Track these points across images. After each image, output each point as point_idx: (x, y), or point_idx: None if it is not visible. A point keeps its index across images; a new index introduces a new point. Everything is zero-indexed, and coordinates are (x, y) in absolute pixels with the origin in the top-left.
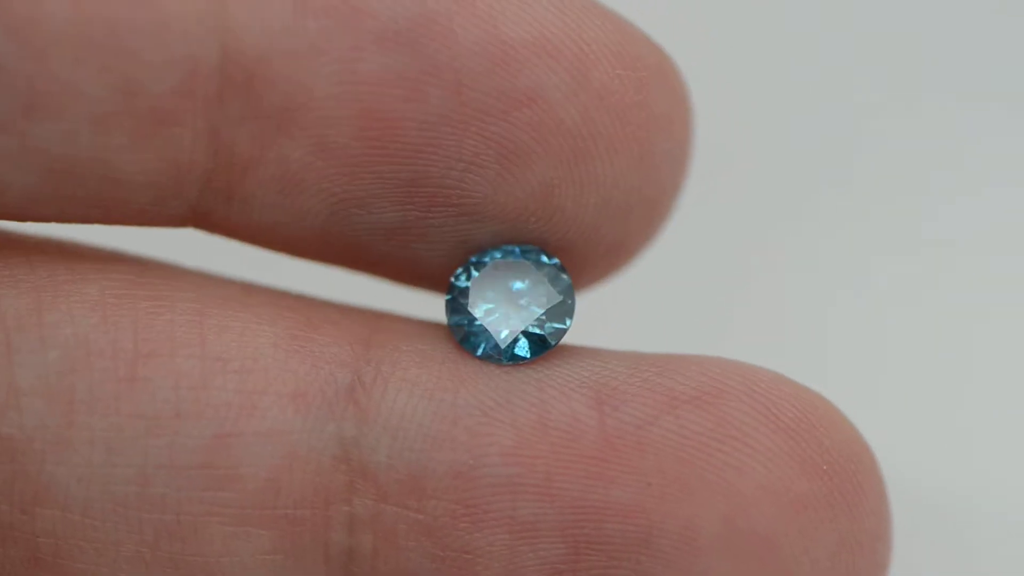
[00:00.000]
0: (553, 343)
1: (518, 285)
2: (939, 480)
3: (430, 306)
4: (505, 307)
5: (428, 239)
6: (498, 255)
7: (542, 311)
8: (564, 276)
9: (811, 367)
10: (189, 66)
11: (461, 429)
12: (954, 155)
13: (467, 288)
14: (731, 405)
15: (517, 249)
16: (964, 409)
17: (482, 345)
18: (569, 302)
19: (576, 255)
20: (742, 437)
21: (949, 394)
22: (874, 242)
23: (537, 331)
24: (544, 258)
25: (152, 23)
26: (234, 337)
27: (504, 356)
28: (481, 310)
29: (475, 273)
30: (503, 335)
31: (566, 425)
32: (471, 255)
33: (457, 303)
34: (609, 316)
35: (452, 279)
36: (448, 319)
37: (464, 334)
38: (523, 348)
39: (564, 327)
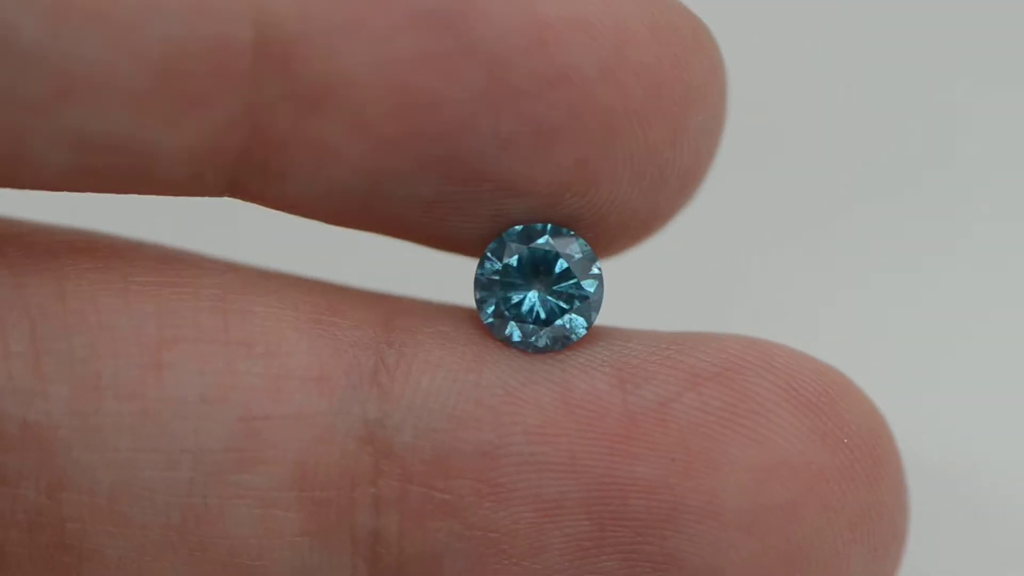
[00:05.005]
0: (577, 337)
1: (547, 274)
2: (949, 453)
3: (451, 291)
4: (533, 297)
5: (463, 212)
6: (530, 236)
7: (570, 306)
8: (595, 269)
9: (828, 344)
10: (223, 46)
11: (485, 409)
12: (971, 152)
13: (495, 272)
14: (752, 381)
15: (548, 232)
16: (976, 383)
17: (506, 330)
18: (598, 296)
19: (610, 227)
20: (764, 412)
21: (963, 372)
22: (895, 226)
23: (563, 326)
24: (577, 246)
25: (187, 4)
26: (257, 322)
27: (529, 347)
28: (508, 297)
29: (507, 260)
30: (529, 326)
31: (589, 403)
32: (505, 228)
33: (485, 286)
34: (628, 296)
35: (478, 266)
36: (477, 305)
37: (491, 321)
38: (546, 340)
39: (590, 321)
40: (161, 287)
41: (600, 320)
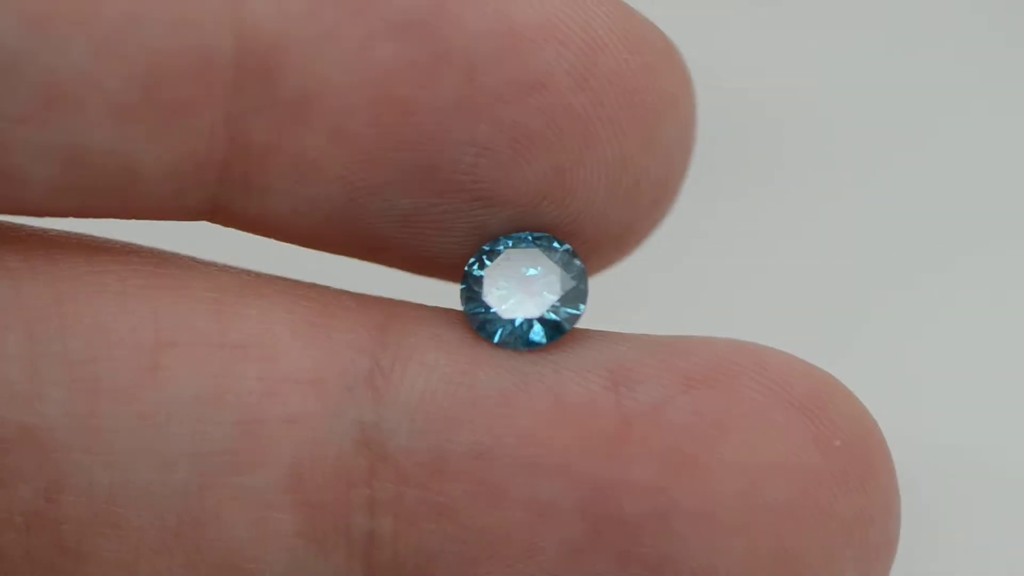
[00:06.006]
0: (568, 328)
1: (531, 272)
2: (942, 456)
3: (443, 296)
4: (519, 294)
5: (442, 226)
6: (510, 243)
7: (556, 297)
8: (576, 262)
9: (820, 347)
10: (205, 56)
11: (479, 411)
12: (962, 151)
13: (481, 277)
14: (745, 384)
15: (529, 236)
16: (969, 385)
17: (498, 332)
18: (582, 287)
19: (587, 239)
20: (756, 415)
21: (956, 373)
22: (886, 226)
23: (552, 317)
24: (556, 244)
25: (169, 14)
26: (253, 325)
27: (520, 343)
28: (496, 298)
29: (488, 262)
30: (518, 322)
31: (583, 406)
32: (484, 243)
33: (472, 292)
34: (620, 300)
35: (466, 268)
36: (464, 307)
37: (480, 322)
38: (538, 334)
39: (578, 312)
40: (157, 290)
41: (593, 324)
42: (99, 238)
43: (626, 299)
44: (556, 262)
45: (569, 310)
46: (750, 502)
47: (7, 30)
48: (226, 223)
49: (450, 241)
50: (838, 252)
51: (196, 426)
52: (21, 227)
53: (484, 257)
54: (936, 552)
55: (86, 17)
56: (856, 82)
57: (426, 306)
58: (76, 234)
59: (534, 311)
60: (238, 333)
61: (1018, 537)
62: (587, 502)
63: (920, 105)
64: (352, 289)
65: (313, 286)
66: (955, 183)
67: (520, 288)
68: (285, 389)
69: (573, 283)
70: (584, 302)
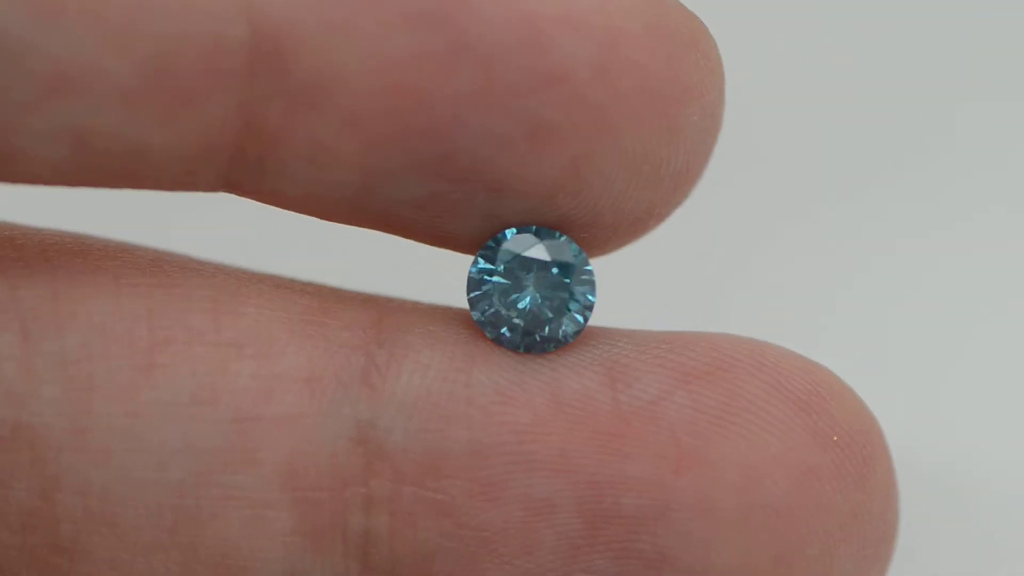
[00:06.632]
0: (569, 340)
1: (540, 276)
2: (940, 452)
3: (439, 294)
4: (525, 297)
5: (457, 212)
6: (522, 239)
7: (560, 313)
8: (588, 268)
9: (817, 343)
10: (217, 43)
11: (476, 408)
12: (968, 148)
13: (488, 273)
14: (742, 379)
15: (541, 235)
16: (967, 382)
17: (498, 330)
18: (590, 300)
19: (604, 226)
20: (754, 410)
21: (954, 370)
22: (886, 225)
23: (553, 332)
24: (571, 250)
25: (178, 2)
26: (249, 323)
27: (519, 346)
28: (502, 302)
29: (499, 265)
30: (521, 326)
31: (580, 402)
32: (500, 227)
33: (478, 286)
34: (618, 295)
35: (472, 265)
36: (469, 298)
37: (482, 318)
38: (538, 341)
39: (581, 325)
40: (153, 288)
41: (591, 319)
42: (94, 237)
43: (623, 294)
44: (567, 270)
45: (572, 320)
46: (748, 497)
47: (16, 19)
48: (241, 195)
49: (465, 224)
50: (838, 247)
51: (191, 424)
52: (16, 226)
53: (492, 251)
54: (935, 548)
55: (94, 6)
56: (855, 78)
57: (422, 304)
58: (71, 233)
59: (538, 324)
60: (233, 331)
61: (1018, 534)
62: (584, 498)
63: (920, 100)
64: (350, 283)
65: (309, 283)
66: (955, 180)
67: (527, 294)
68: (280, 387)
69: (582, 294)
70: (590, 311)
